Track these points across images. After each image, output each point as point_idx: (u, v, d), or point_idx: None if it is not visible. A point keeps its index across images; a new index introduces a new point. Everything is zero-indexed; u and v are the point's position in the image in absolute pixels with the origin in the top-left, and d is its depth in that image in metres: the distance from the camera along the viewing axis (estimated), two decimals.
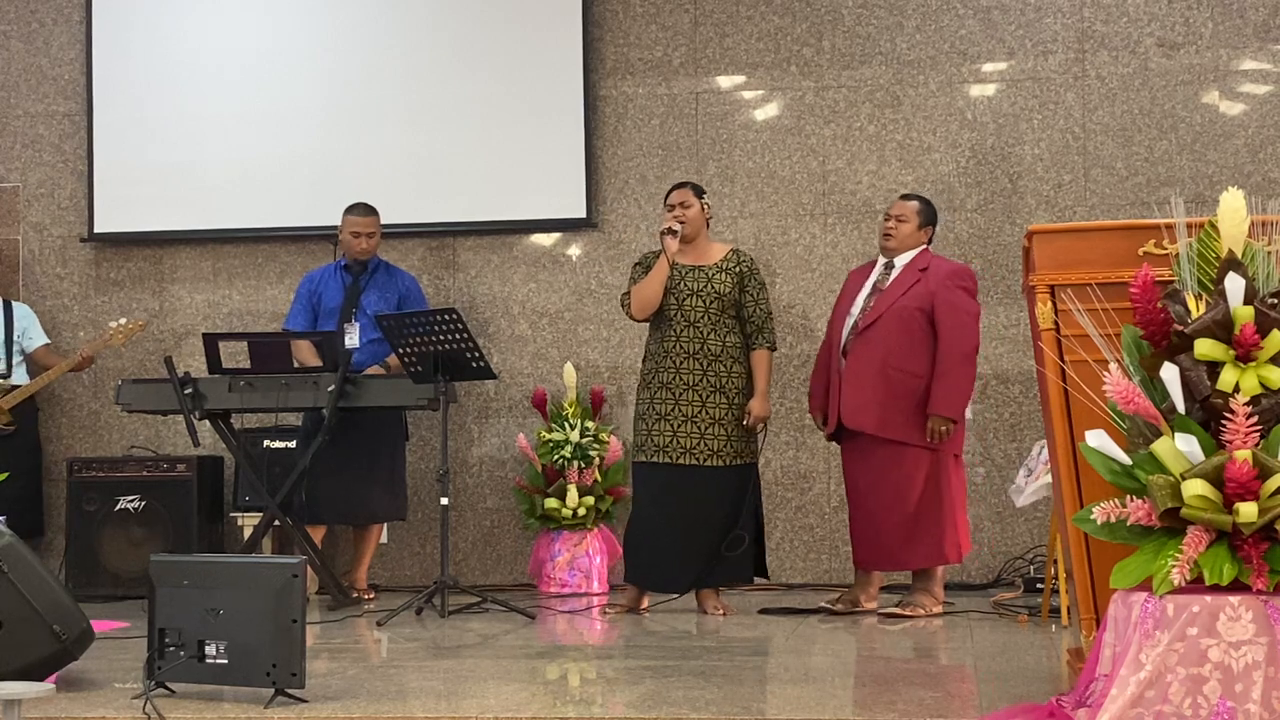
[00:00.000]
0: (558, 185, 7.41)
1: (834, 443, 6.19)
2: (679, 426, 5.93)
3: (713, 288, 5.96)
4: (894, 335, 5.83)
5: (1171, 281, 3.38)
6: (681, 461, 5.92)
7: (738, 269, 6.01)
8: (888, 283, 5.93)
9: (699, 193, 6.08)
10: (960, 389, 5.80)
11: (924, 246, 6.02)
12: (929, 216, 6.05)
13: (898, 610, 5.81)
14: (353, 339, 6.67)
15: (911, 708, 3.66)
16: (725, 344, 5.97)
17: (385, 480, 6.80)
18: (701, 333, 5.95)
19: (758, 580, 6.21)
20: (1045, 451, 5.57)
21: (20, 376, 7.14)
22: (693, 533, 5.89)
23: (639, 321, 6.15)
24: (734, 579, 6.06)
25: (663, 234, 5.98)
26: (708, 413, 5.93)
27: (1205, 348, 3.20)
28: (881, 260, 6.04)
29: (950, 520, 5.86)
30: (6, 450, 6.88)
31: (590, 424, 7.10)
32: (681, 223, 5.98)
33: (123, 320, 6.95)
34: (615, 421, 7.32)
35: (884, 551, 5.91)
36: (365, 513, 6.79)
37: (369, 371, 6.54)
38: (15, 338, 7.18)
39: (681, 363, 5.96)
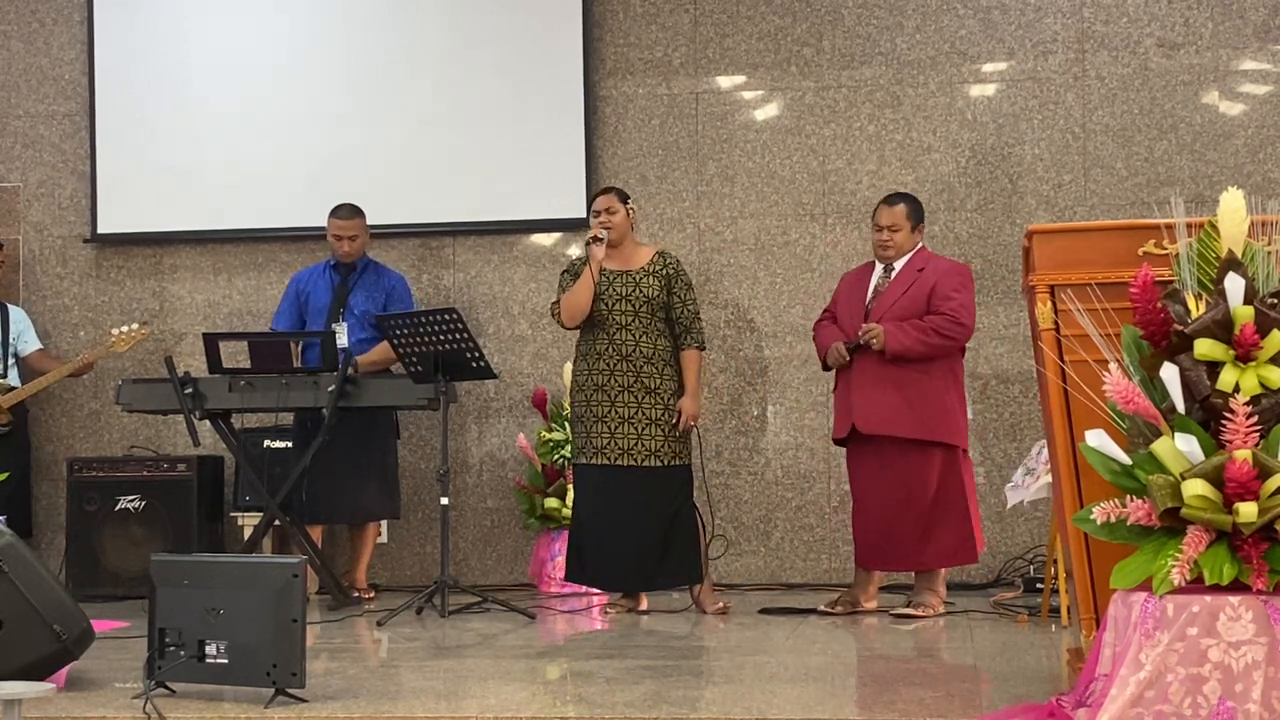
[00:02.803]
0: (558, 185, 7.41)
1: (840, 446, 6.16)
2: (616, 428, 5.98)
3: (640, 292, 6.02)
4: None
5: (1171, 281, 3.38)
6: (620, 463, 5.98)
7: (664, 271, 6.07)
8: (887, 286, 5.95)
9: (623, 198, 6.15)
10: (914, 347, 5.77)
11: (920, 245, 6.03)
12: (919, 215, 6.06)
13: (910, 611, 5.81)
14: (341, 339, 6.67)
15: (911, 708, 3.66)
16: (656, 347, 6.03)
17: (378, 479, 6.79)
18: (633, 336, 6.01)
19: (696, 586, 6.12)
20: (1045, 451, 5.57)
21: (12, 380, 7.13)
22: (636, 532, 5.94)
23: (569, 329, 6.18)
24: (683, 579, 6.07)
25: (588, 242, 6.03)
26: (643, 414, 5.98)
27: (1205, 348, 3.21)
28: (880, 267, 6.04)
29: (965, 519, 5.84)
30: (2, 450, 6.88)
31: None
32: (607, 229, 6.03)
33: (125, 328, 6.93)
34: None
35: (897, 552, 5.88)
36: (359, 511, 6.78)
37: None
38: (10, 340, 7.17)
39: (614, 365, 6.00)
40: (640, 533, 5.94)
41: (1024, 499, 5.76)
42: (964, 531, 5.83)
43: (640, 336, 6.01)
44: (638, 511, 5.94)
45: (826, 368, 6.10)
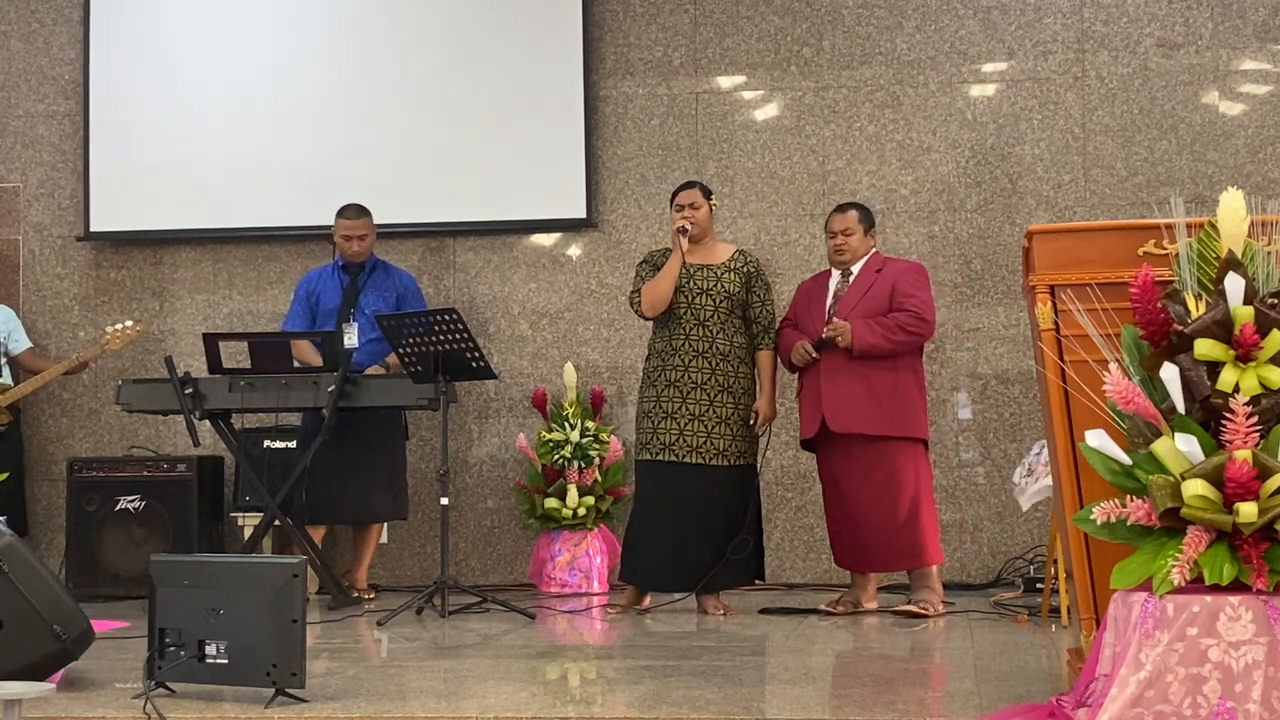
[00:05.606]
0: (558, 185, 7.42)
1: (808, 450, 6.19)
2: (685, 425, 5.95)
3: (722, 287, 6.00)
4: None
5: (1171, 281, 3.38)
6: (687, 460, 5.95)
7: (745, 269, 6.05)
8: (847, 289, 6.00)
9: (707, 193, 6.12)
10: (881, 344, 5.81)
11: (874, 249, 6.08)
12: (870, 221, 6.13)
13: (911, 608, 5.81)
14: (351, 339, 6.66)
15: (911, 708, 3.66)
16: (733, 344, 6.01)
17: (385, 479, 6.80)
18: (710, 331, 5.98)
19: (756, 581, 6.22)
20: (1044, 452, 5.57)
21: (5, 378, 7.11)
22: (695, 532, 5.90)
23: (648, 319, 6.17)
24: (738, 581, 6.07)
25: (676, 232, 6.01)
26: (715, 412, 5.95)
27: (1205, 348, 3.20)
28: (837, 273, 6.08)
29: (930, 519, 5.92)
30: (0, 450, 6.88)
31: (590, 424, 7.10)
32: (692, 223, 6.01)
33: (118, 325, 6.92)
34: (615, 421, 7.32)
35: (869, 554, 5.93)
36: (366, 512, 6.79)
37: (369, 371, 6.55)
38: (0, 340, 7.15)
39: (690, 361, 5.98)
40: (700, 532, 5.90)
41: (1023, 502, 5.76)
42: (926, 534, 5.89)
43: (718, 332, 5.99)
44: (701, 510, 5.91)
45: (793, 369, 6.12)
